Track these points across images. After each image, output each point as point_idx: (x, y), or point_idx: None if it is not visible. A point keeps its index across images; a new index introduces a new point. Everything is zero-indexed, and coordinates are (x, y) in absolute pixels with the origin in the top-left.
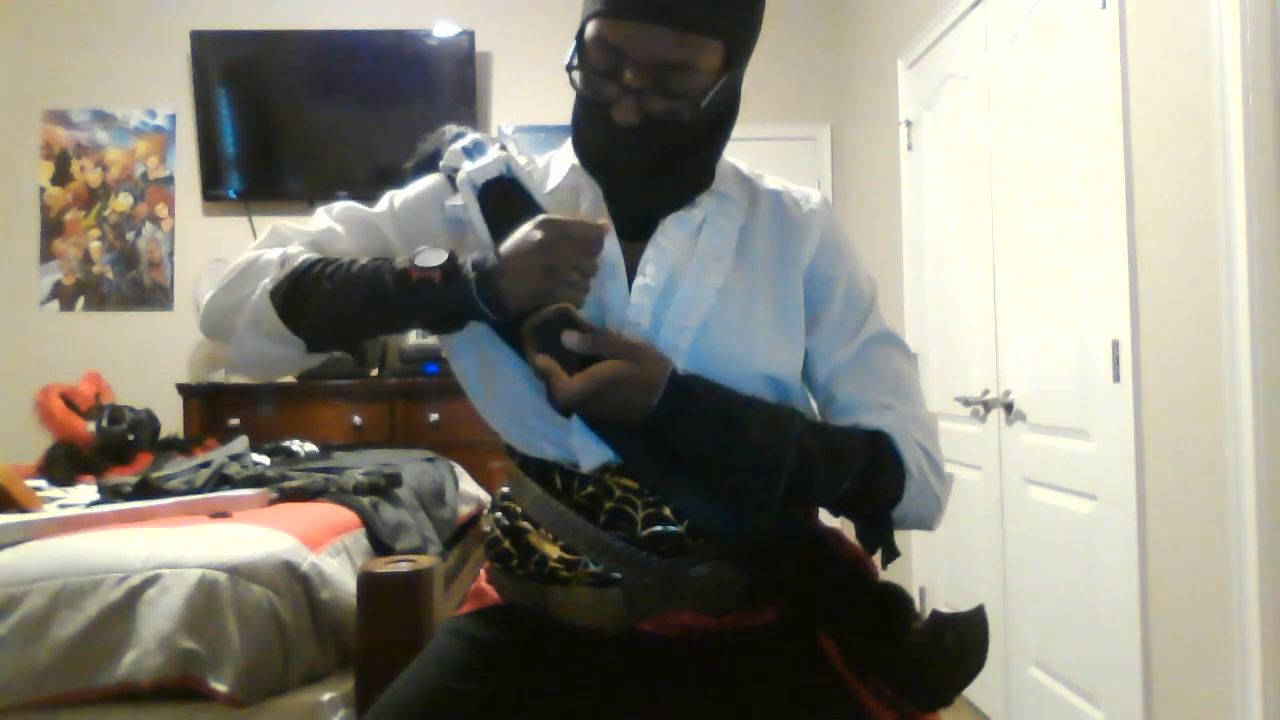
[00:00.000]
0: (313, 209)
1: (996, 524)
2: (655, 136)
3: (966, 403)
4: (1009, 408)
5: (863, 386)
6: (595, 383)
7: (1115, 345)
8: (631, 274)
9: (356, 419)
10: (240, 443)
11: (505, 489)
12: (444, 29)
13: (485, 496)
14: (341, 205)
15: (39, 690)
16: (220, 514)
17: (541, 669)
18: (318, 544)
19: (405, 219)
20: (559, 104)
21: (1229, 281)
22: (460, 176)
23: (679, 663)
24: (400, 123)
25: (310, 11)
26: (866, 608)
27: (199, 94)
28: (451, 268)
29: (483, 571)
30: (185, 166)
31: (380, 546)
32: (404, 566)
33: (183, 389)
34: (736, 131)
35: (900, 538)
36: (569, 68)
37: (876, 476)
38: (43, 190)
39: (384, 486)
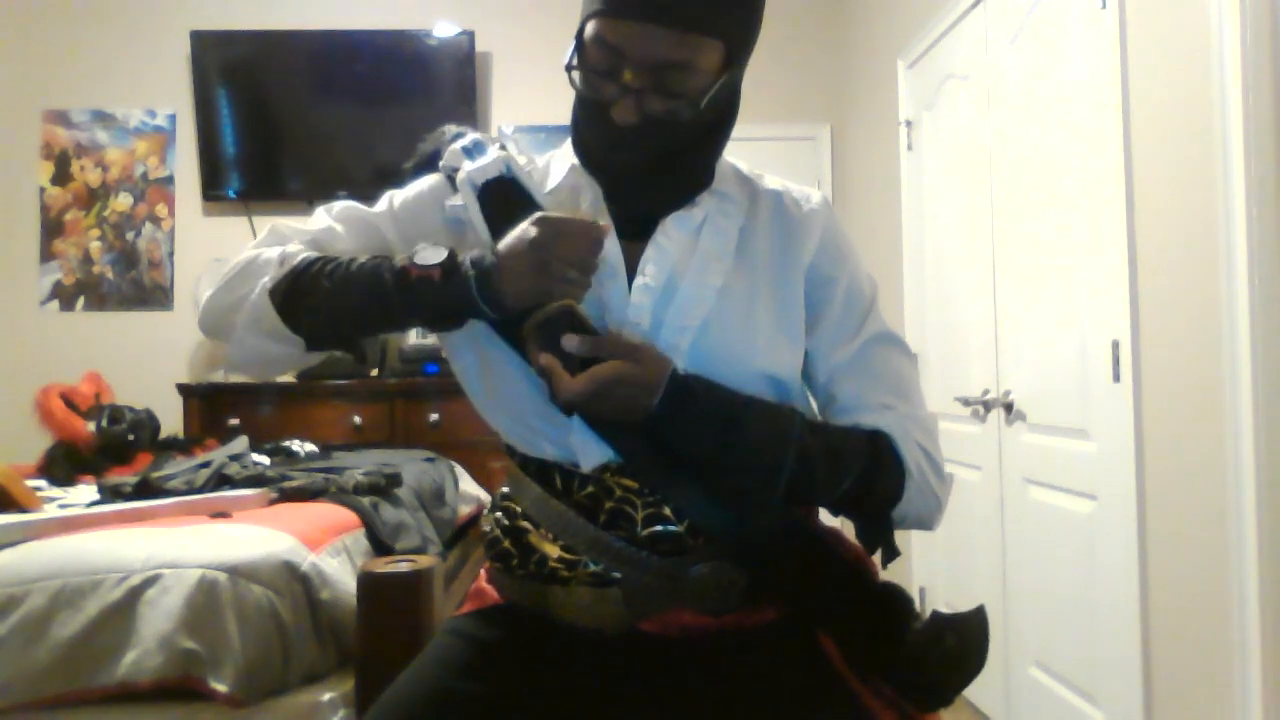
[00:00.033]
0: (313, 209)
1: (996, 524)
2: (655, 136)
3: (966, 403)
4: (1009, 408)
5: (863, 386)
6: (597, 383)
7: (1115, 345)
8: (631, 274)
9: (356, 419)
10: (240, 443)
11: (505, 489)
12: (444, 29)
13: (485, 496)
14: (341, 205)
15: (39, 690)
16: (220, 514)
17: (541, 669)
18: (318, 544)
19: (405, 219)
20: (559, 104)
21: (1229, 281)
22: (460, 176)
23: (679, 663)
24: (400, 123)
25: (310, 11)
26: (866, 608)
27: (199, 94)
28: (451, 265)
29: (483, 571)
30: (185, 166)
31: (380, 546)
32: (404, 566)
33: (183, 389)
34: (736, 131)
35: (900, 538)
36: (568, 68)
37: (876, 476)
38: (43, 190)
39: (384, 486)
